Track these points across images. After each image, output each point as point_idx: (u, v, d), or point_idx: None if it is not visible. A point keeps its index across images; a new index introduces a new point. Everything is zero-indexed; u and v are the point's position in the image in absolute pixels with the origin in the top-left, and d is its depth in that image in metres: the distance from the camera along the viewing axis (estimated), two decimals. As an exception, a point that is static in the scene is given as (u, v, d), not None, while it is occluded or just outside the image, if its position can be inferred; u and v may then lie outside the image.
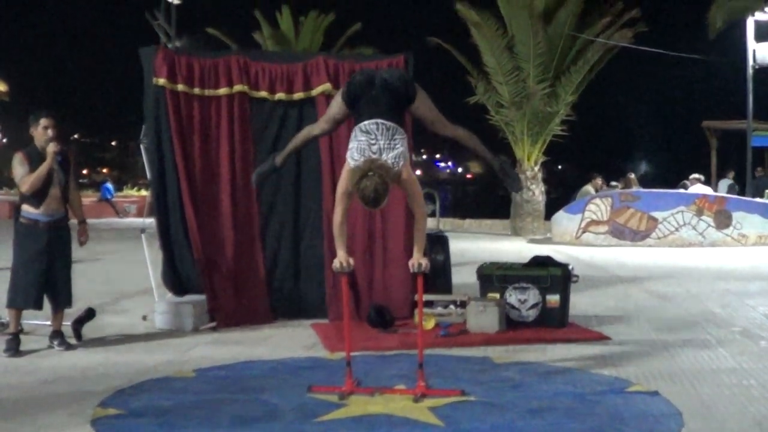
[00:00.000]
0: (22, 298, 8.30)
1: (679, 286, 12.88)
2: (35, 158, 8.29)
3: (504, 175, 7.37)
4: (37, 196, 8.24)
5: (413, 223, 7.06)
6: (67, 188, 8.50)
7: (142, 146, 10.02)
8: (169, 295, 9.83)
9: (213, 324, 9.43)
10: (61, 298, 8.47)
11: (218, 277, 9.64)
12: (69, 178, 8.52)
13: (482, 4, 25.50)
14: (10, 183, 57.24)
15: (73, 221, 8.62)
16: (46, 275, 8.29)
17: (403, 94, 6.86)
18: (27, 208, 8.28)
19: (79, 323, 8.80)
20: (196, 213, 9.61)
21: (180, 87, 9.67)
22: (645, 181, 24.79)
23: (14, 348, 8.15)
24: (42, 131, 8.35)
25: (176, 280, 9.79)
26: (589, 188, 23.13)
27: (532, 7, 24.28)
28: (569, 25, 24.73)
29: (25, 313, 8.51)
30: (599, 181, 23.69)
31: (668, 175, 23.86)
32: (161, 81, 9.60)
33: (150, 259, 10.17)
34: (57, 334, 8.44)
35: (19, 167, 8.29)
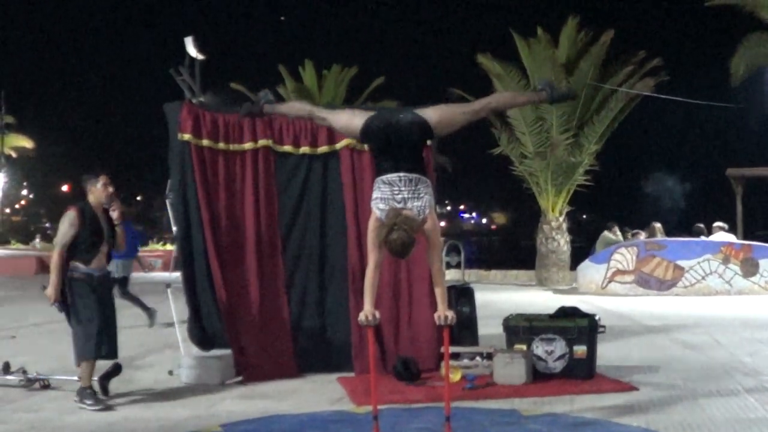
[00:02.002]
0: (106, 348, 8.44)
1: (707, 335, 12.78)
2: (88, 217, 8.46)
3: (558, 100, 7.36)
4: (88, 253, 8.43)
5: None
6: (112, 244, 8.72)
7: (167, 201, 10.06)
8: (195, 350, 9.82)
9: (239, 378, 9.42)
10: (112, 349, 8.58)
11: (244, 331, 9.64)
12: (112, 235, 8.71)
13: (504, 55, 25.60)
14: (36, 236, 57.64)
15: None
16: (104, 327, 8.43)
17: (420, 139, 6.89)
18: (78, 265, 8.41)
19: (105, 378, 8.80)
20: (221, 267, 9.63)
21: (205, 142, 9.74)
22: (669, 230, 24.66)
23: (97, 399, 8.28)
24: (102, 188, 8.57)
25: (202, 334, 9.78)
26: (608, 235, 23.09)
27: (554, 59, 24.36)
28: (591, 76, 24.76)
29: (53, 368, 8.53)
30: (616, 228, 23.65)
31: (693, 223, 23.73)
32: (186, 136, 9.67)
33: (176, 313, 10.19)
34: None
35: (67, 228, 8.40)
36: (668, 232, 23.73)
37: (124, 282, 14.90)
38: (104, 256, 8.59)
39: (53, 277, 8.34)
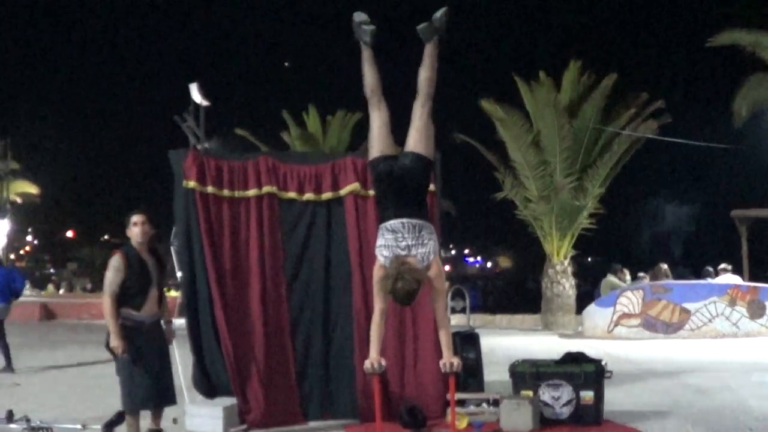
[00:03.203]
0: (146, 401, 8.30)
1: (715, 379, 12.71)
2: (133, 260, 8.29)
3: (439, 26, 7.34)
4: (137, 299, 8.24)
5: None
6: (162, 287, 8.56)
7: (172, 248, 10.06)
8: (200, 398, 9.77)
9: (244, 426, 9.37)
10: (170, 394, 8.48)
11: (249, 378, 9.59)
12: (162, 278, 8.58)
13: (507, 99, 25.70)
14: (43, 284, 57.65)
15: None
16: (159, 374, 8.32)
17: (422, 178, 6.94)
18: (128, 311, 8.20)
19: (109, 426, 8.75)
20: (226, 314, 9.60)
21: (210, 189, 9.75)
22: (674, 272, 24.58)
23: None
24: (133, 228, 8.39)
25: (206, 382, 9.74)
26: (612, 279, 23.02)
27: (557, 102, 24.43)
28: (594, 119, 24.84)
29: (57, 416, 8.45)
30: (625, 271, 23.60)
31: (698, 265, 23.73)
32: (191, 183, 9.68)
33: (180, 360, 10.14)
34: None
35: (114, 274, 8.18)
36: (674, 267, 23.68)
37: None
38: (153, 301, 8.36)
39: (112, 326, 8.05)
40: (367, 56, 7.43)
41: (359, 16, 7.46)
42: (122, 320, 8.19)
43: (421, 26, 7.36)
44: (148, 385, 8.22)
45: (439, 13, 7.35)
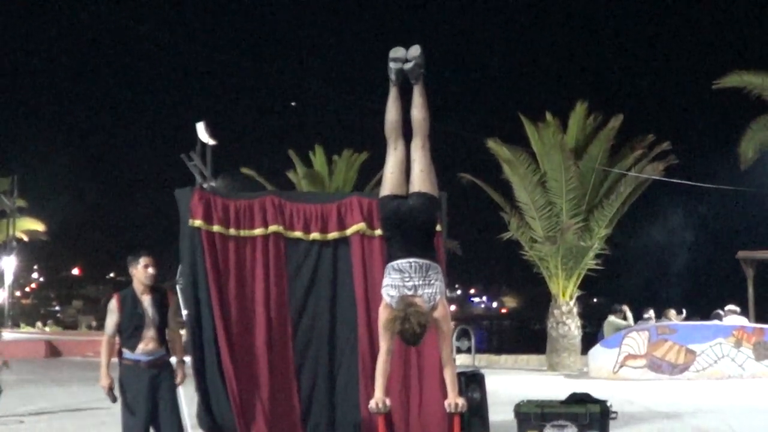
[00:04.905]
0: None
1: (721, 421, 12.65)
2: (129, 302, 8.37)
3: (422, 61, 7.34)
4: (131, 339, 8.30)
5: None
6: (165, 327, 8.54)
7: (177, 286, 10.07)
8: (205, 436, 9.76)
9: (248, 465, 9.34)
10: None
11: (254, 417, 9.58)
12: (168, 318, 8.57)
13: (514, 140, 25.75)
14: (47, 319, 57.69)
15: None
16: (152, 415, 8.29)
17: (430, 217, 6.95)
18: (126, 351, 8.32)
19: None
20: (231, 353, 9.60)
21: (216, 228, 9.78)
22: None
23: None
24: (143, 270, 8.44)
25: (211, 420, 9.72)
26: (615, 320, 23.03)
27: (563, 144, 24.45)
28: (601, 160, 24.86)
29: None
30: (626, 310, 23.61)
31: (704, 307, 23.70)
32: (197, 222, 9.71)
33: (185, 399, 10.13)
34: None
35: (108, 316, 8.37)
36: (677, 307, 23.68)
37: None
38: (152, 341, 8.35)
39: (101, 366, 8.32)
40: (391, 94, 7.41)
41: (394, 52, 7.40)
42: (122, 359, 8.33)
43: (408, 67, 7.35)
44: (135, 426, 8.23)
45: (417, 52, 7.36)
